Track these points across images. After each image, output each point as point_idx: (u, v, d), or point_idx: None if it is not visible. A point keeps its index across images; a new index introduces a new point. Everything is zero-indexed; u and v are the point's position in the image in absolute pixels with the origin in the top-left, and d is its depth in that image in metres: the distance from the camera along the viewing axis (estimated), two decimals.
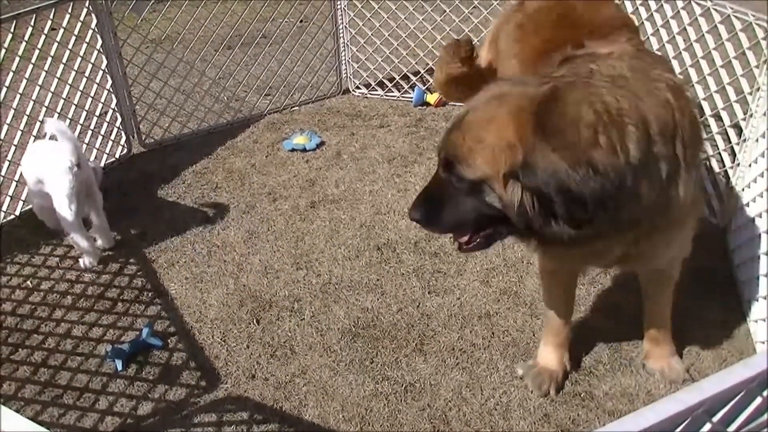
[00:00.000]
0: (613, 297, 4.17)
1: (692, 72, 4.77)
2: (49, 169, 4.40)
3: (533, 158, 2.38)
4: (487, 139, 2.48)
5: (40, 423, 3.56)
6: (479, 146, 2.50)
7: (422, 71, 6.61)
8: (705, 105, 4.73)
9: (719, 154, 4.67)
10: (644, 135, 2.46)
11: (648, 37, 5.06)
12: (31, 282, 4.57)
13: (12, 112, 5.10)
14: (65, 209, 4.39)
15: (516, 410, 3.50)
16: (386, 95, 6.79)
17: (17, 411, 3.54)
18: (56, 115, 5.34)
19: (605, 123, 2.40)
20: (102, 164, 5.69)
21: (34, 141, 5.00)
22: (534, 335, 3.91)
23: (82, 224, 4.52)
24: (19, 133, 5.08)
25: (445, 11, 6.38)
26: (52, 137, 4.44)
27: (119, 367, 3.86)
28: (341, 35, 6.70)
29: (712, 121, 4.70)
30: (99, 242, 4.71)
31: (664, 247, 3.02)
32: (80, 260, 4.63)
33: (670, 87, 2.61)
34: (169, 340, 4.06)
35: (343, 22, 6.63)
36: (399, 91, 6.73)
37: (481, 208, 2.61)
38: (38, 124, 5.03)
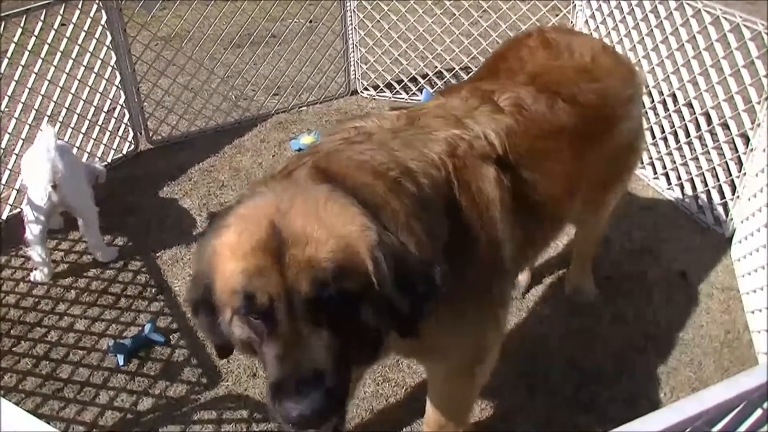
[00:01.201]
0: (618, 305, 4.16)
1: (701, 80, 4.76)
2: (29, 180, 4.39)
3: (383, 237, 1.99)
4: (342, 231, 1.93)
5: (40, 416, 3.57)
6: (342, 244, 1.92)
7: (431, 74, 6.61)
8: (713, 113, 4.71)
9: (726, 163, 4.66)
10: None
11: (657, 45, 5.05)
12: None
13: (20, 106, 5.12)
14: (31, 222, 4.38)
15: (518, 414, 3.49)
16: (394, 97, 6.79)
17: (17, 403, 3.58)
18: (64, 110, 5.36)
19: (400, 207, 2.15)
20: (109, 160, 5.72)
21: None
22: (529, 339, 3.91)
23: (44, 239, 4.47)
24: (27, 127, 5.09)
25: (455, 14, 6.37)
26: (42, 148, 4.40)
27: (121, 362, 3.87)
28: (350, 36, 6.70)
29: (719, 130, 4.69)
30: (99, 256, 4.68)
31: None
32: (32, 273, 4.56)
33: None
34: (171, 337, 4.06)
35: (352, 24, 6.63)
36: (407, 94, 6.73)
37: (360, 330, 2.01)
38: (45, 118, 5.04)
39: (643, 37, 5.14)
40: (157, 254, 4.74)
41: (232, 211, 2.06)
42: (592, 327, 4.01)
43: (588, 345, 3.87)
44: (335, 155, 2.25)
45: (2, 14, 4.80)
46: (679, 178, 5.04)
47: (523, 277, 4.24)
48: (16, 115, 5.10)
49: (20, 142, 5.08)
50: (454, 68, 6.60)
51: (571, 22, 5.97)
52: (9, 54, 4.95)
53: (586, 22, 5.76)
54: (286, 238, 1.89)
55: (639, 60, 5.20)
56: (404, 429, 3.44)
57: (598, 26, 5.62)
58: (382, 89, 6.86)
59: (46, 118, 5.19)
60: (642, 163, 5.39)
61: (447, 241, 2.29)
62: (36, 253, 4.45)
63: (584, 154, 2.98)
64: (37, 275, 4.52)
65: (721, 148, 4.67)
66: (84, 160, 5.32)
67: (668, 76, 4.99)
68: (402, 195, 2.17)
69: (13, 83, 5.02)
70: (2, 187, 5.03)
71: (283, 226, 1.91)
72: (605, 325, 4.02)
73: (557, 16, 6.19)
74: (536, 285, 4.32)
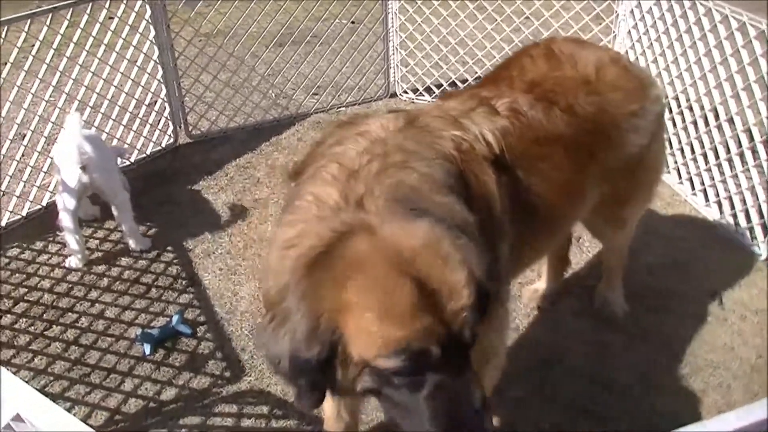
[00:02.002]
0: (647, 321, 4.09)
1: (743, 95, 4.65)
2: (60, 164, 4.49)
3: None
4: (460, 273, 1.99)
5: (67, 399, 3.65)
6: (468, 288, 1.99)
7: (470, 79, 6.59)
8: (755, 130, 4.61)
9: (766, 182, 4.55)
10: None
11: (672, 43, 4.97)
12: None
13: (64, 96, 5.24)
14: (64, 207, 4.48)
15: (535, 427, 3.45)
16: (433, 101, 6.77)
17: (46, 385, 3.67)
18: (106, 102, 5.47)
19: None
20: (148, 152, 5.82)
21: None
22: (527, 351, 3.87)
23: (77, 225, 4.57)
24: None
25: (497, 20, 6.34)
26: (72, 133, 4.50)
27: (147, 351, 3.93)
28: (391, 38, 6.72)
29: (761, 147, 4.58)
30: (132, 244, 4.76)
31: None
32: (67, 259, 4.66)
33: None
34: (198, 329, 4.12)
35: (393, 26, 6.64)
36: None
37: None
38: (88, 110, 5.15)
39: (686, 49, 5.05)
40: (190, 247, 4.81)
41: (332, 252, 1.99)
42: (618, 342, 3.95)
43: (613, 361, 3.81)
44: (386, 178, 2.22)
45: (50, 7, 4.92)
46: (717, 195, 4.95)
47: (550, 287, 4.21)
48: (60, 104, 5.23)
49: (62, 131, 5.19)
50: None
51: (614, 32, 5.90)
52: (55, 45, 5.06)
53: (629, 32, 5.69)
54: (437, 291, 1.91)
55: (681, 73, 5.12)
56: None
57: (640, 37, 5.54)
58: (421, 93, 6.85)
59: (74, 105, 5.29)
60: (680, 178, 5.30)
61: None
62: (70, 239, 4.55)
63: (584, 164, 2.97)
64: (72, 261, 4.61)
65: (762, 167, 4.57)
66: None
67: (710, 90, 4.90)
68: (459, 200, 2.27)
69: (58, 74, 5.13)
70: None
71: (423, 278, 1.91)
72: (632, 341, 3.95)
73: (600, 25, 6.12)
74: (565, 296, 4.27)
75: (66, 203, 4.46)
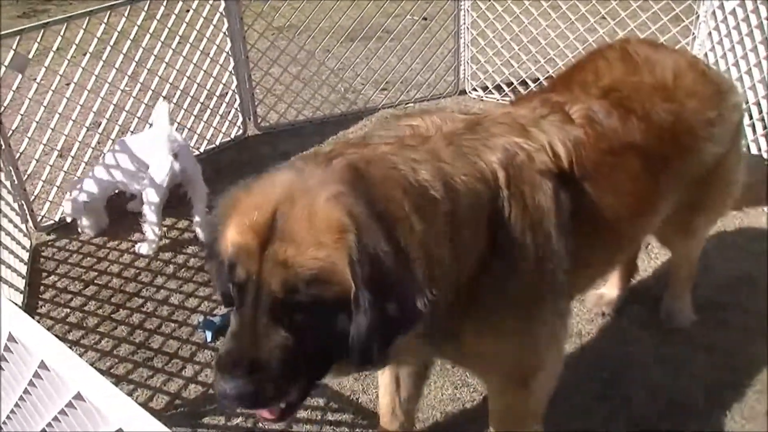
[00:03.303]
0: (715, 335, 3.92)
1: None
2: (149, 155, 4.58)
3: (366, 240, 1.89)
4: (327, 238, 1.87)
5: (130, 381, 3.74)
6: (324, 251, 1.87)
7: (542, 78, 6.47)
8: None
9: None
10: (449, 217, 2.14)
11: (756, 46, 4.76)
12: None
13: (138, 86, 5.37)
14: (153, 197, 4.56)
15: None
16: (502, 99, 6.69)
17: (111, 367, 3.76)
18: (178, 92, 5.58)
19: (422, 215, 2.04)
20: (217, 143, 5.92)
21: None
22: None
23: (160, 214, 4.66)
24: (143, 106, 5.34)
25: (571, 19, 6.21)
26: (153, 125, 4.59)
27: (208, 339, 4.00)
28: (462, 36, 6.66)
29: None
30: (200, 234, 4.81)
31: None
32: (138, 245, 4.76)
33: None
34: None
35: (465, 23, 6.58)
36: (516, 97, 6.62)
37: (330, 340, 1.95)
38: (160, 99, 5.25)
39: None
40: None
41: (266, 175, 2.08)
42: (684, 355, 3.80)
43: (678, 374, 3.68)
44: (379, 159, 2.16)
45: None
46: None
47: (616, 294, 4.10)
48: (135, 94, 5.36)
49: (135, 120, 5.33)
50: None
51: (693, 33, 5.70)
52: (132, 36, 5.20)
53: (709, 34, 5.49)
54: (278, 231, 1.89)
55: (764, 77, 4.91)
56: None
57: (721, 39, 5.34)
58: (490, 90, 6.77)
59: (148, 95, 5.42)
60: None
61: (485, 253, 2.25)
62: (150, 226, 4.65)
63: (658, 175, 2.83)
64: (143, 247, 4.72)
65: None
66: (192, 141, 5.54)
67: None
68: (431, 215, 2.08)
69: (133, 64, 5.26)
70: None
71: (282, 217, 1.91)
72: (699, 355, 3.80)
73: (678, 26, 5.93)
74: (629, 305, 4.15)
75: (154, 191, 4.55)
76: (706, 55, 5.44)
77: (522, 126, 2.53)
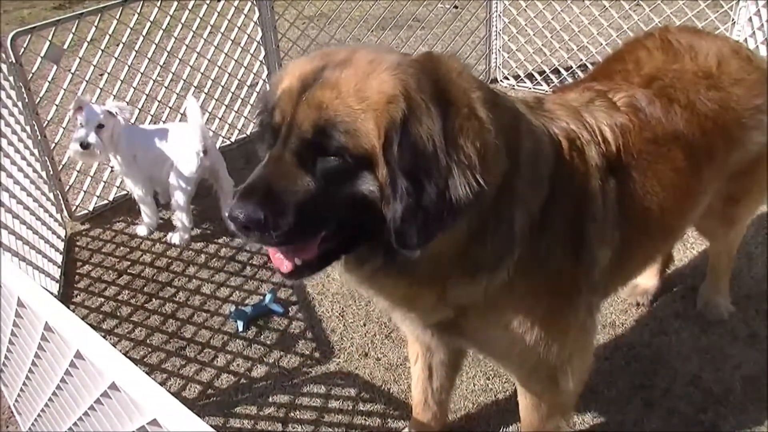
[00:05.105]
0: (755, 326, 3.85)
1: None
2: (178, 149, 4.59)
3: (413, 120, 1.83)
4: (371, 93, 1.84)
5: (163, 371, 3.77)
6: (363, 105, 1.83)
7: (574, 66, 6.39)
8: None
9: None
10: (513, 146, 2.08)
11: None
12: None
13: (170, 76, 5.39)
14: (182, 190, 4.58)
15: (631, 429, 3.32)
16: (534, 88, 6.61)
17: (144, 356, 3.79)
18: (210, 82, 5.60)
19: (490, 106, 1.95)
20: (248, 132, 5.92)
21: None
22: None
23: (189, 205, 4.69)
24: (174, 96, 5.36)
25: (605, 6, 6.11)
26: (183, 118, 4.61)
27: (240, 328, 4.01)
28: (494, 23, 6.58)
29: None
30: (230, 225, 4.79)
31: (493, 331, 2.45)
32: (170, 235, 4.78)
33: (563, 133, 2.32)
34: (289, 309, 4.17)
35: (497, 10, 6.50)
36: (548, 85, 6.54)
37: (355, 200, 1.89)
38: (190, 93, 5.27)
39: None
40: None
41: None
42: (722, 346, 3.74)
43: (716, 365, 3.61)
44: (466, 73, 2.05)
45: None
46: None
47: (651, 284, 4.03)
48: (167, 84, 5.39)
49: (167, 110, 5.36)
50: (600, 62, 6.33)
51: (733, 19, 5.57)
52: (164, 26, 5.22)
53: (750, 19, 5.36)
54: (323, 78, 1.88)
55: None
56: (508, 428, 3.36)
57: (763, 24, 5.21)
58: (522, 79, 6.70)
59: (180, 84, 5.44)
60: None
61: (536, 218, 2.18)
62: (180, 218, 4.68)
63: (702, 165, 2.76)
64: (175, 238, 4.75)
65: None
66: (223, 131, 5.55)
67: None
68: (500, 122, 1.98)
69: (165, 54, 5.29)
70: None
71: (331, 68, 1.90)
72: (738, 346, 3.73)
73: (717, 12, 5.80)
74: (666, 295, 4.08)
75: (183, 184, 4.58)
76: (745, 40, 5.31)
77: (576, 109, 2.49)
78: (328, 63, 1.93)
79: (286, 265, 2.01)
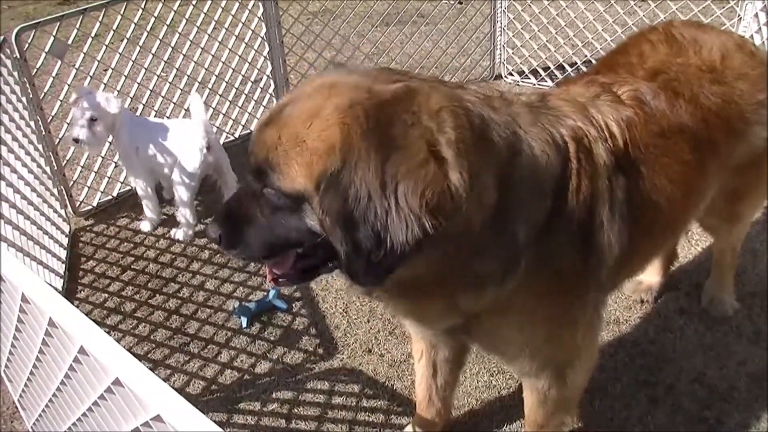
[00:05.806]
0: (760, 323, 3.84)
1: None
2: (182, 145, 4.58)
3: (348, 170, 1.81)
4: (309, 140, 1.85)
5: (167, 366, 3.77)
6: (297, 149, 1.86)
7: (579, 62, 6.36)
8: None
9: None
10: (508, 171, 2.02)
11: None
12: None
13: (174, 71, 5.39)
14: (185, 186, 4.59)
15: (635, 425, 3.32)
16: (539, 84, 6.59)
17: (148, 352, 3.79)
18: (213, 77, 5.59)
19: (464, 147, 1.89)
20: (252, 128, 5.91)
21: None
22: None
23: (193, 201, 4.69)
24: (178, 92, 5.35)
25: (611, 3, 6.09)
26: (187, 115, 4.60)
27: (244, 324, 4.01)
28: (498, 19, 6.56)
29: None
30: None
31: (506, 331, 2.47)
32: (173, 231, 4.79)
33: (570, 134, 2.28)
34: (293, 305, 4.16)
35: (501, 6, 6.48)
36: (552, 81, 6.52)
37: (300, 231, 1.97)
38: (194, 89, 5.26)
39: None
40: None
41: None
42: (727, 344, 3.73)
43: (721, 362, 3.61)
44: (450, 93, 2.02)
45: None
46: None
47: (655, 281, 4.02)
48: (171, 79, 5.39)
49: (171, 106, 5.35)
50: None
51: (739, 15, 5.55)
52: (168, 21, 5.21)
53: (756, 15, 5.33)
54: (279, 116, 1.95)
55: None
56: (512, 424, 3.36)
57: None
58: (527, 75, 6.68)
59: (184, 80, 5.43)
60: None
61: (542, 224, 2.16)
62: (183, 214, 4.68)
63: (707, 159, 2.74)
64: (178, 233, 4.75)
65: None
66: (227, 126, 5.55)
67: None
68: (485, 150, 1.96)
69: (169, 49, 5.28)
70: None
71: (291, 105, 1.96)
72: (742, 343, 3.73)
73: (723, 8, 5.77)
74: (670, 292, 4.07)
75: (187, 180, 4.58)
76: (751, 36, 5.28)
77: (582, 105, 2.47)
78: (294, 98, 1.98)
79: (269, 273, 2.18)
